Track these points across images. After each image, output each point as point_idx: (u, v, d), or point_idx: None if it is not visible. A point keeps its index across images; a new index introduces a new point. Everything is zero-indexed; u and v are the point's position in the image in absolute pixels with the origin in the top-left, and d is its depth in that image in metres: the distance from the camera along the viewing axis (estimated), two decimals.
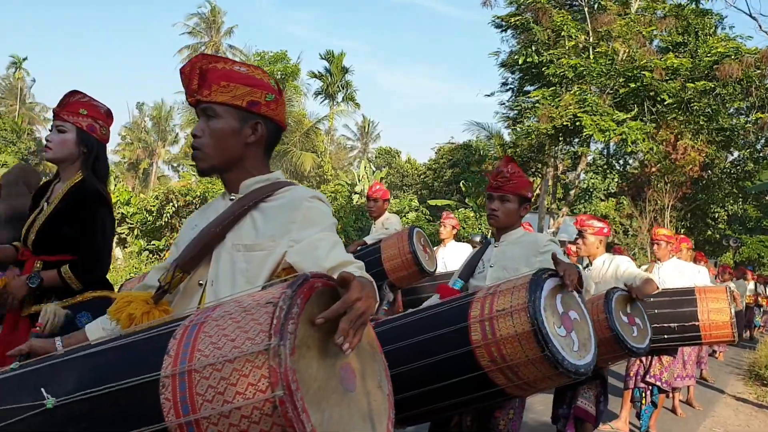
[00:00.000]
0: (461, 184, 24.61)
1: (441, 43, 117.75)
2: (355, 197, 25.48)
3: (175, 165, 52.92)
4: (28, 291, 2.88)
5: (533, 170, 20.86)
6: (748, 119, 17.72)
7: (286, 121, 2.00)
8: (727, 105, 17.79)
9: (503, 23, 19.94)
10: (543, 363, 2.78)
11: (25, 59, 56.31)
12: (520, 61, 18.48)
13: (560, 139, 18.01)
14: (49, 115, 56.28)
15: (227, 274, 1.74)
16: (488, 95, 23.50)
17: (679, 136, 17.47)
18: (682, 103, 17.12)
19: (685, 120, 17.40)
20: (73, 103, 3.06)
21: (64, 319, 2.61)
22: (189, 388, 1.16)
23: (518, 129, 18.07)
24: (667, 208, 21.18)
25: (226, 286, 1.72)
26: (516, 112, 20.56)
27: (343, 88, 37.34)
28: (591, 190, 26.93)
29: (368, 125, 55.07)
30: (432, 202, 27.83)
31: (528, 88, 20.86)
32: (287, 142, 30.72)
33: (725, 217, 28.71)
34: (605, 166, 21.17)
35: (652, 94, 16.88)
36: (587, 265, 5.00)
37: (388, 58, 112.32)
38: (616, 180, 23.99)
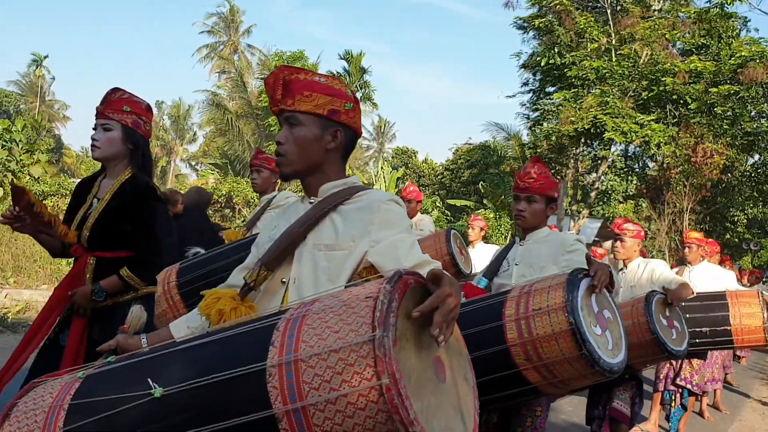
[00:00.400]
0: (480, 185, 24.62)
1: (458, 43, 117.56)
2: None
3: (193, 163, 53.18)
4: (94, 304, 2.92)
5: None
6: None
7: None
8: (749, 108, 17.70)
9: (525, 24, 19.98)
10: (579, 361, 2.84)
11: (46, 57, 56.75)
12: (543, 63, 18.47)
13: (582, 141, 18.00)
14: (69, 113, 56.50)
15: (309, 272, 1.81)
16: (510, 96, 23.56)
17: (700, 140, 17.39)
18: (705, 106, 17.06)
19: (708, 123, 17.31)
20: (116, 100, 3.07)
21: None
22: (296, 377, 1.22)
23: (539, 130, 18.05)
24: (686, 211, 21.11)
25: (308, 284, 1.79)
26: (538, 113, 20.56)
27: (361, 88, 37.46)
28: (609, 192, 26.88)
29: (384, 125, 55.12)
30: (451, 202, 27.87)
31: (549, 89, 20.86)
32: None
33: (744, 221, 28.49)
34: (625, 169, 21.10)
35: (674, 97, 16.82)
36: (621, 269, 5.02)
37: (405, 57, 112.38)
38: (634, 182, 23.92)
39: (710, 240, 7.76)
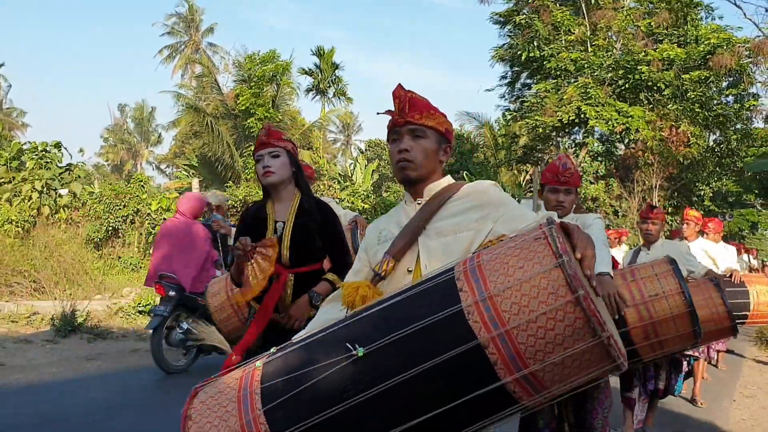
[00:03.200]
0: (464, 174, 25.35)
1: (421, 30, 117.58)
2: (348, 189, 26.12)
3: (162, 167, 52.72)
4: (312, 309, 3.07)
5: (535, 159, 21.80)
6: (743, 105, 18.75)
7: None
8: (721, 93, 18.83)
9: (502, 20, 20.81)
10: (689, 337, 3.49)
11: (1, 65, 55.76)
12: (523, 57, 19.34)
13: (566, 130, 18.96)
14: (27, 119, 55.45)
15: (439, 255, 2.05)
16: (489, 90, 24.49)
17: (675, 123, 18.45)
18: (678, 91, 18.13)
19: (681, 108, 18.38)
20: (276, 131, 3.35)
21: None
22: (494, 309, 1.43)
23: (525, 122, 18.92)
24: (655, 188, 22.19)
25: (439, 267, 1.98)
26: (517, 105, 21.41)
27: (333, 84, 37.78)
28: (581, 173, 27.89)
29: (350, 117, 55.38)
30: None
31: (527, 81, 21.74)
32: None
33: (710, 194, 29.73)
34: (605, 153, 22.12)
35: (649, 84, 17.84)
36: (639, 248, 5.54)
37: (369, 46, 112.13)
38: (604, 163, 24.93)
39: (714, 218, 8.56)
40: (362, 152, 43.15)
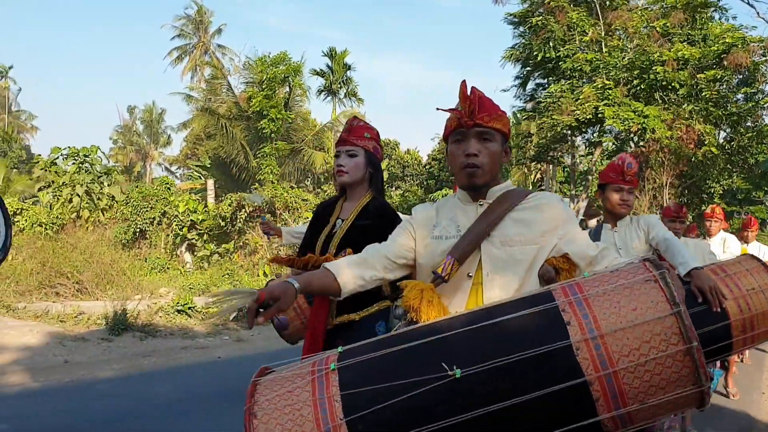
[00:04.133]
0: None
1: (423, 29, 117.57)
2: None
3: (172, 169, 53.03)
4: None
5: (550, 158, 22.04)
6: (758, 104, 18.98)
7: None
8: (735, 92, 19.06)
9: (516, 20, 21.05)
10: None
11: (10, 68, 56.11)
12: (539, 57, 19.58)
13: (583, 130, 19.22)
14: (36, 122, 55.86)
15: (505, 265, 2.02)
16: (504, 90, 24.67)
17: (690, 123, 18.69)
18: (693, 91, 18.37)
19: (696, 108, 18.62)
20: (358, 128, 3.21)
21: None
22: (604, 349, 1.45)
23: (544, 122, 19.16)
24: (666, 185, 22.40)
25: (503, 276, 2.02)
26: (532, 105, 21.65)
27: (344, 85, 38.04)
28: (590, 173, 28.15)
29: (359, 116, 55.58)
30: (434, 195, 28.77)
31: (540, 81, 21.98)
32: (299, 141, 31.46)
33: (720, 192, 29.88)
34: (617, 151, 22.34)
35: (664, 84, 18.07)
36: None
37: (371, 46, 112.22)
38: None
39: (752, 217, 8.73)
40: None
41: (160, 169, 59.73)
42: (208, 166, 34.15)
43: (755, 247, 7.94)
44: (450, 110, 2.12)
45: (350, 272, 2.13)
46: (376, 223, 3.06)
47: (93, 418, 5.30)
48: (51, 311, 9.64)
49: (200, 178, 33.97)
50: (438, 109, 2.12)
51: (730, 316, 3.24)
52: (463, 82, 2.10)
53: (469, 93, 2.07)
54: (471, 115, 2.05)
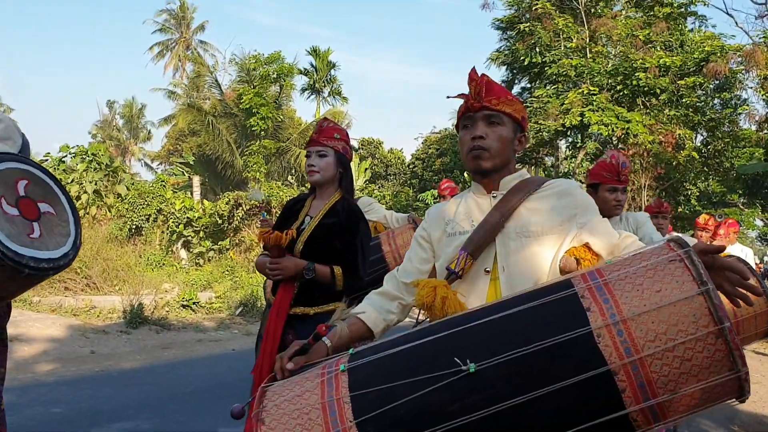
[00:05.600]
0: (465, 173, 26.06)
1: (406, 27, 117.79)
2: None
3: (153, 165, 52.83)
4: (298, 277, 3.07)
5: (534, 160, 22.66)
6: (735, 110, 19.76)
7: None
8: (713, 97, 19.82)
9: (503, 25, 21.65)
10: (761, 335, 3.51)
11: None
12: (525, 62, 20.18)
13: (568, 135, 19.85)
14: (13, 116, 55.60)
15: (522, 258, 1.92)
16: None
17: (671, 128, 19.41)
18: (674, 97, 19.09)
19: (677, 114, 19.34)
20: (328, 129, 3.29)
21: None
22: (628, 334, 1.33)
23: (531, 126, 19.74)
24: (644, 187, 23.11)
25: (522, 269, 1.92)
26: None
27: (329, 83, 38.34)
28: (571, 174, 28.86)
29: (342, 115, 55.82)
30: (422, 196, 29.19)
31: (525, 85, 22.61)
32: (285, 140, 31.74)
33: (696, 194, 30.66)
34: (598, 154, 23.02)
35: (646, 89, 18.75)
36: None
37: (354, 43, 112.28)
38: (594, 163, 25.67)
39: (729, 220, 9.19)
40: (356, 150, 43.72)
41: (140, 165, 59.33)
42: (192, 162, 34.17)
43: (737, 249, 8.40)
44: (459, 96, 2.05)
45: (374, 311, 2.05)
46: (343, 222, 3.17)
47: (132, 404, 5.69)
48: (64, 305, 9.97)
49: (183, 174, 33.96)
50: (448, 97, 2.07)
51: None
52: (473, 68, 2.06)
53: (477, 76, 2.03)
54: (478, 97, 1.99)
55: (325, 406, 1.45)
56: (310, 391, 1.49)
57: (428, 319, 1.93)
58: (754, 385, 7.60)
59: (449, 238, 2.05)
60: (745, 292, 1.51)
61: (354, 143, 49.81)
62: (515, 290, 1.79)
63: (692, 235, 7.90)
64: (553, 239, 1.93)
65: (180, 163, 36.91)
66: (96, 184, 14.21)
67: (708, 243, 1.81)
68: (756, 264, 14.53)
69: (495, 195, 2.04)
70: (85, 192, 14.05)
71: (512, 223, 1.96)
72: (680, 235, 6.32)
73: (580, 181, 29.65)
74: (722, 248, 1.50)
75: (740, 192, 28.74)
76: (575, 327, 1.37)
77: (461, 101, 2.08)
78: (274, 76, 30.81)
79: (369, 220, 5.18)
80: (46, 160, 14.41)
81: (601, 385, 1.34)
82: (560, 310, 1.43)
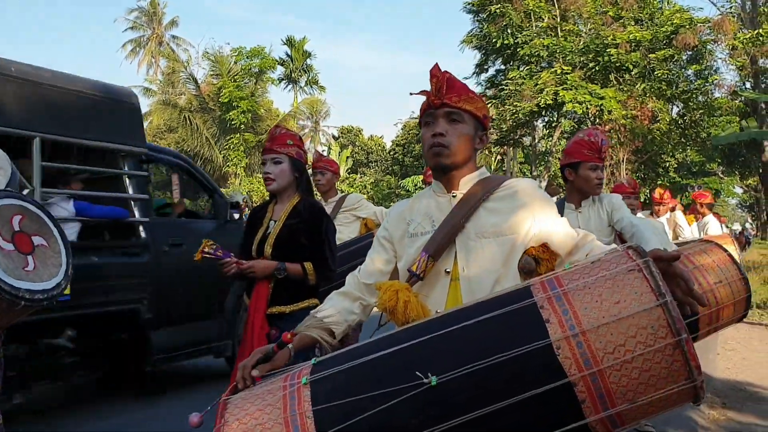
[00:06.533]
0: None
1: (379, 12, 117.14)
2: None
3: None
4: (270, 276, 3.22)
5: (512, 141, 22.81)
6: (705, 81, 20.00)
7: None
8: (686, 68, 20.03)
9: (475, 8, 21.72)
10: (738, 320, 3.61)
11: None
12: (498, 44, 20.28)
13: (542, 114, 20.02)
14: None
15: (481, 259, 1.93)
16: (466, 78, 25.52)
17: (644, 101, 19.62)
18: (645, 71, 19.27)
19: (649, 87, 19.54)
20: (280, 136, 3.38)
21: None
22: (587, 346, 1.34)
23: (507, 109, 19.91)
24: (623, 161, 23.34)
25: (481, 271, 1.92)
26: (494, 91, 22.36)
27: (305, 72, 38.35)
28: (548, 152, 29.08)
29: (320, 104, 55.80)
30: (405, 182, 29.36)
31: (500, 67, 22.73)
32: (263, 132, 31.74)
33: (675, 165, 30.97)
34: (575, 131, 23.21)
35: (618, 65, 18.93)
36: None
37: (328, 30, 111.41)
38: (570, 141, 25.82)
39: (700, 193, 9.24)
40: (336, 138, 43.76)
41: None
42: None
43: (715, 225, 8.45)
44: (421, 92, 2.04)
45: (336, 312, 2.06)
46: (306, 220, 3.30)
47: (113, 406, 5.75)
48: None
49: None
50: (411, 93, 2.07)
51: (699, 311, 2.94)
52: (435, 64, 2.04)
53: (438, 72, 2.01)
54: (438, 94, 1.98)
55: (287, 421, 1.44)
56: (272, 405, 1.48)
57: (389, 321, 1.97)
58: (728, 352, 7.76)
59: (411, 239, 2.06)
60: (692, 300, 1.51)
61: (333, 132, 49.83)
62: (474, 291, 1.88)
63: (652, 213, 8.01)
64: (512, 239, 1.93)
65: None
66: None
67: (665, 250, 1.75)
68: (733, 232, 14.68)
69: (455, 194, 2.03)
70: None
71: (472, 223, 1.96)
72: (641, 214, 6.20)
73: (559, 158, 29.95)
74: (677, 256, 1.49)
75: (719, 161, 29.13)
76: (535, 339, 1.38)
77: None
78: (256, 70, 30.79)
79: (358, 217, 5.32)
80: None
81: (561, 396, 1.36)
82: (520, 321, 1.43)
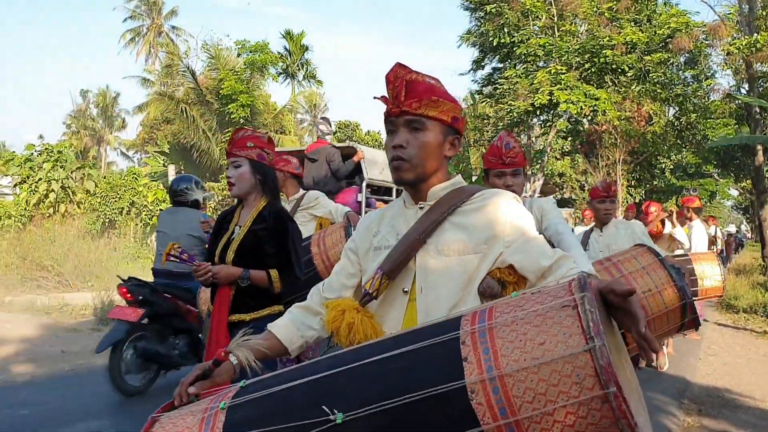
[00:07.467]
0: None
1: (380, 5, 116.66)
2: None
3: (129, 153, 52.68)
4: (233, 283, 3.19)
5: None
6: (701, 85, 20.07)
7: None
8: (681, 73, 20.11)
9: (473, 6, 21.73)
10: (675, 330, 3.31)
11: None
12: (495, 43, 20.31)
13: (538, 114, 20.08)
14: None
15: (441, 279, 1.75)
16: (462, 74, 25.56)
17: (639, 104, 19.70)
18: (640, 73, 19.33)
19: (644, 90, 19.61)
20: (240, 139, 3.31)
21: None
22: (504, 392, 1.19)
23: (501, 107, 19.97)
24: (618, 162, 23.42)
25: (440, 292, 1.75)
26: (489, 89, 22.41)
27: (303, 67, 38.24)
28: (545, 151, 29.09)
29: (318, 97, 55.71)
30: None
31: (497, 65, 22.77)
32: (260, 126, 31.65)
33: (671, 167, 31.06)
34: (570, 130, 23.25)
35: (613, 67, 18.99)
36: (591, 228, 5.34)
37: (327, 24, 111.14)
38: (569, 139, 26.06)
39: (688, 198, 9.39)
40: (333, 134, 43.60)
41: (116, 154, 59.02)
42: (168, 151, 33.98)
43: (700, 231, 8.51)
44: (380, 98, 1.86)
45: (293, 327, 1.94)
46: (271, 227, 3.24)
47: (102, 402, 5.82)
48: (36, 303, 10.05)
49: (160, 164, 33.77)
50: (375, 98, 1.87)
51: (651, 358, 3.00)
52: (395, 65, 1.84)
53: (395, 76, 1.81)
54: (396, 101, 1.79)
55: None
56: (190, 428, 1.42)
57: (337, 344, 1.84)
58: (710, 357, 7.86)
59: (375, 252, 1.90)
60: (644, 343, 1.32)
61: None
62: (430, 315, 1.70)
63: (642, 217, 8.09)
64: (476, 259, 1.74)
65: (156, 151, 36.70)
66: (61, 182, 14.28)
67: (620, 281, 1.67)
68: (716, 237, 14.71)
69: (422, 206, 1.86)
70: (52, 190, 14.11)
71: (434, 239, 1.79)
72: (627, 220, 6.16)
73: (556, 157, 30.04)
74: (632, 291, 1.31)
75: (714, 163, 29.21)
76: (450, 379, 1.23)
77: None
78: (259, 65, 30.70)
79: (314, 216, 5.25)
80: (11, 159, 14.48)
81: None
82: (439, 356, 1.29)
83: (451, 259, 1.74)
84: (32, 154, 14.67)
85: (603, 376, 1.13)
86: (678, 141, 24.95)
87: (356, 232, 2.04)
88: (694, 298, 6.17)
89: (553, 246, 3.18)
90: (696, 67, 19.95)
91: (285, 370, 1.49)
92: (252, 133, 3.36)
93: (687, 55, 19.42)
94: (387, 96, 1.84)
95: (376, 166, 8.22)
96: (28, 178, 14.31)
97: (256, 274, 3.17)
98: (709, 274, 5.90)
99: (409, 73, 1.80)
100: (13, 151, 15.62)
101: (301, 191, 5.35)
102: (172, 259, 3.24)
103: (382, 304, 1.83)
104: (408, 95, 1.77)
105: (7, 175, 14.62)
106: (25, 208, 14.51)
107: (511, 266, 1.74)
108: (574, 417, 1.16)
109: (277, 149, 5.12)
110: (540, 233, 3.20)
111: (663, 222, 8.15)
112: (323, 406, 1.30)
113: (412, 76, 1.79)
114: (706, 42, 18.78)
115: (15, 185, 14.17)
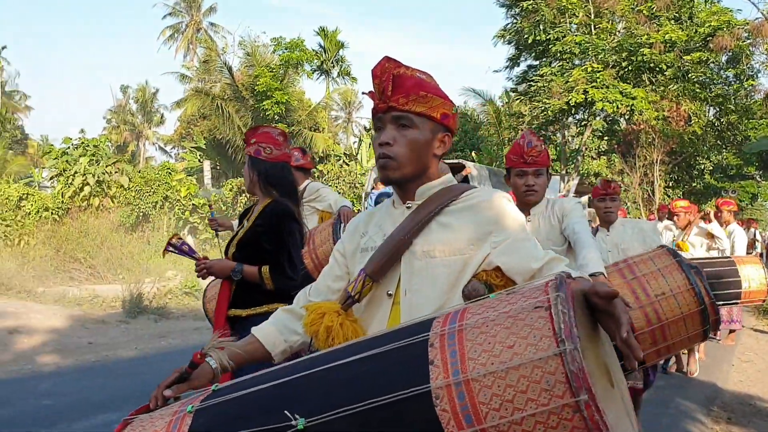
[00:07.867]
0: (473, 153, 25.95)
1: (421, 2, 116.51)
2: (353, 167, 26.97)
3: (166, 148, 53.45)
4: (228, 278, 3.20)
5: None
6: (742, 85, 19.59)
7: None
8: (721, 73, 19.64)
9: (507, 2, 21.53)
10: (697, 337, 3.13)
11: (3, 48, 56.18)
12: (530, 40, 20.09)
13: (573, 112, 19.80)
14: (30, 102, 56.09)
15: (425, 281, 1.70)
16: (497, 71, 25.36)
17: (677, 103, 19.30)
18: (679, 72, 18.94)
19: (683, 89, 19.20)
20: (249, 131, 3.39)
21: None
22: (470, 398, 1.13)
23: (536, 105, 19.75)
24: (656, 162, 22.99)
25: (424, 295, 1.70)
26: (524, 86, 22.19)
27: (337, 63, 38.30)
28: (580, 150, 28.69)
29: (352, 94, 55.80)
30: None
31: (532, 63, 22.51)
32: (295, 123, 31.77)
33: (710, 168, 30.45)
34: (607, 130, 22.91)
35: (651, 65, 18.63)
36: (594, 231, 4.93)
37: (363, 20, 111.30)
38: (606, 139, 25.69)
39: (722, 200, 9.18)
40: (367, 130, 43.68)
41: (155, 149, 59.94)
42: (204, 146, 34.39)
43: (741, 235, 8.26)
44: (368, 93, 1.78)
45: (276, 332, 1.87)
46: (267, 224, 3.22)
47: (123, 394, 5.88)
48: (68, 295, 10.24)
49: (196, 160, 34.19)
50: (363, 93, 1.79)
51: (635, 330, 2.76)
52: (382, 58, 1.76)
53: (382, 71, 1.74)
54: (382, 97, 1.72)
55: None
56: (157, 431, 1.39)
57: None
58: (744, 364, 7.65)
59: (362, 254, 1.83)
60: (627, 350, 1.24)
61: (363, 122, 49.79)
62: (415, 318, 1.55)
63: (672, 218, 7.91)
64: (461, 261, 1.69)
65: (192, 147, 37.15)
66: (97, 176, 14.53)
67: (605, 283, 1.57)
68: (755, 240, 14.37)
69: (410, 206, 1.80)
70: (87, 184, 14.36)
71: (420, 239, 1.73)
72: (656, 223, 6.15)
73: (592, 157, 29.67)
74: (615, 293, 1.25)
75: (756, 164, 28.54)
76: (415, 383, 1.17)
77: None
78: (294, 62, 30.89)
79: (316, 209, 5.06)
80: (49, 152, 14.79)
81: None
82: (406, 359, 1.23)
83: (436, 260, 1.70)
84: (69, 147, 14.96)
85: (574, 383, 1.05)
86: (718, 142, 24.47)
87: (345, 233, 1.99)
88: (736, 301, 6.21)
89: (570, 246, 3.19)
90: (737, 67, 19.45)
91: (260, 373, 1.44)
92: (262, 130, 3.35)
93: (728, 54, 18.92)
94: (374, 91, 1.76)
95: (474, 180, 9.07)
96: (64, 171, 14.60)
97: (249, 269, 3.17)
98: (754, 276, 5.87)
99: (397, 67, 1.74)
100: (51, 144, 15.95)
101: (305, 183, 5.16)
102: (171, 249, 3.23)
103: (367, 307, 1.78)
104: (395, 90, 1.71)
105: (44, 168, 14.97)
106: (62, 201, 14.79)
107: (498, 268, 1.69)
108: (543, 427, 1.08)
109: None
110: (562, 233, 3.21)
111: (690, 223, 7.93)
112: (285, 411, 1.25)
113: (400, 71, 1.73)
114: (749, 41, 18.27)
115: (51, 178, 14.47)
